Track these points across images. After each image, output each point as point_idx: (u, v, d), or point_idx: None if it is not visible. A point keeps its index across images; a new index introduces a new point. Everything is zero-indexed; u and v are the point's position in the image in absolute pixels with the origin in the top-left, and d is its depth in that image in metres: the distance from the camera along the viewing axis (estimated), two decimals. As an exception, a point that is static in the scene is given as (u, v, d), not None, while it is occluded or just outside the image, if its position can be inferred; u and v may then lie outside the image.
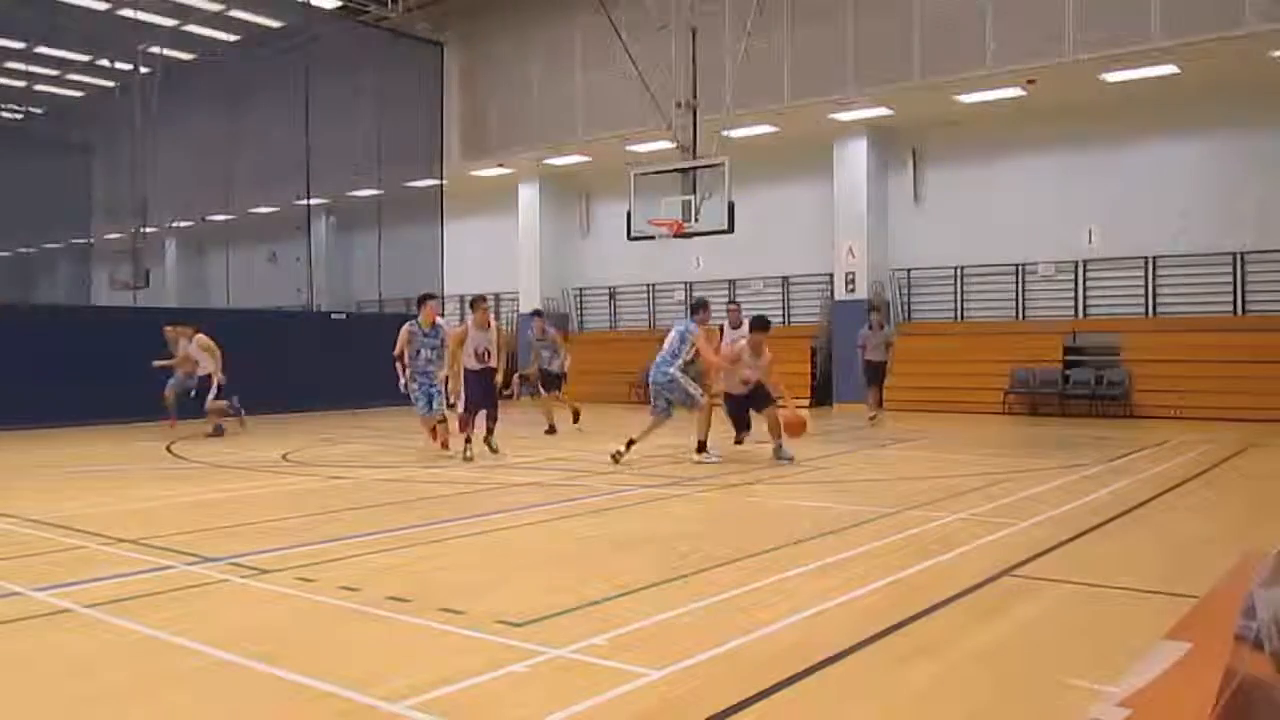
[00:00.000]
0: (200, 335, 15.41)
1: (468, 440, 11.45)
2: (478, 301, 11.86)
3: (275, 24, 24.16)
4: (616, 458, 10.82)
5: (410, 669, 3.99)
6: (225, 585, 5.53)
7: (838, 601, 5.01)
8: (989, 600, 5.11)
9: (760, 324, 11.45)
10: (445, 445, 12.08)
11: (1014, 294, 20.15)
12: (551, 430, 14.74)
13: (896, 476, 10.31)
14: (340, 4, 24.32)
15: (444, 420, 12.19)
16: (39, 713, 3.68)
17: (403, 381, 12.10)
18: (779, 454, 10.91)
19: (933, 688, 3.84)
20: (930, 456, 12.03)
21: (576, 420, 15.51)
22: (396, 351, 12.01)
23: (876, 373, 16.57)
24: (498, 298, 27.78)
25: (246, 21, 24.10)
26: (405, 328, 12.01)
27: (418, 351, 11.86)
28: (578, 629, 4.48)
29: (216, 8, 23.13)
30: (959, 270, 20.74)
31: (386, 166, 23.96)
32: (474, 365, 11.33)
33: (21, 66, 26.88)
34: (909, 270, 21.30)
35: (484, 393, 11.40)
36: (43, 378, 16.00)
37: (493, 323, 11.80)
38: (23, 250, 34.51)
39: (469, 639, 4.39)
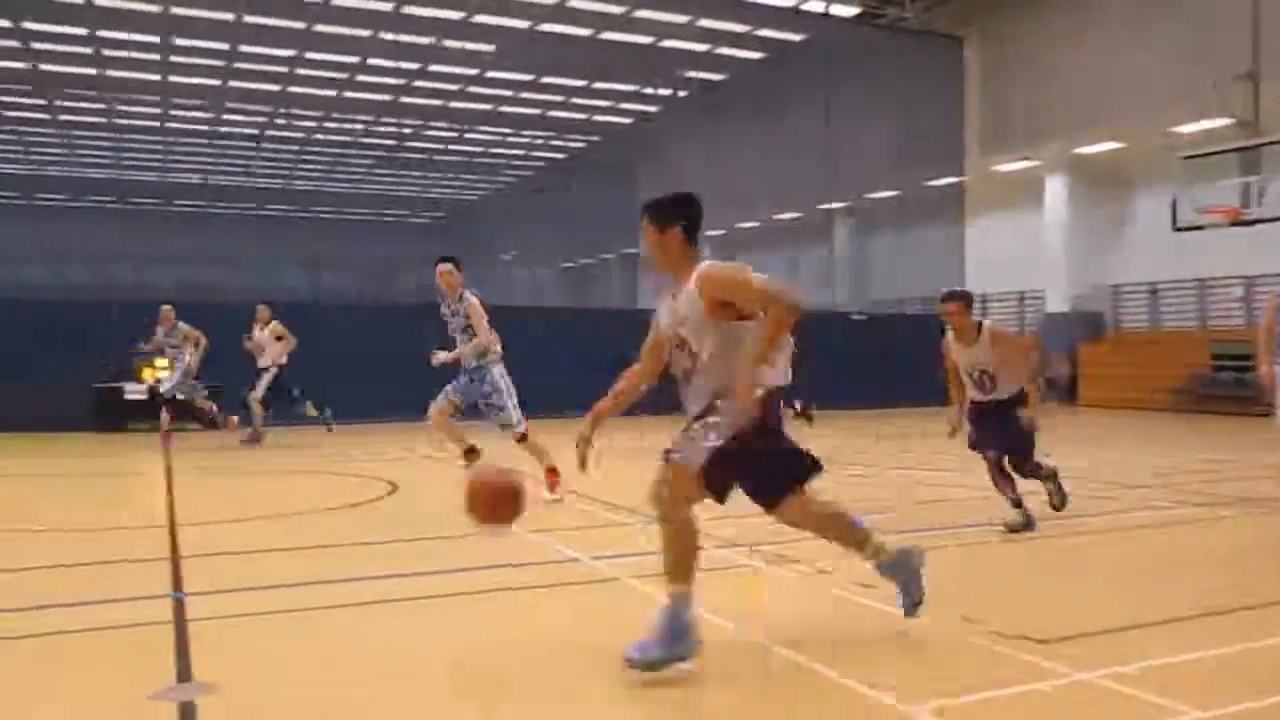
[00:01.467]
0: (276, 322, 13.81)
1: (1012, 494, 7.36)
2: (944, 301, 7.47)
3: (797, 38, 25.21)
4: None
5: (929, 673, 3.95)
6: (745, 569, 5.86)
7: None
8: None
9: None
10: (554, 483, 8.45)
11: None
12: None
13: None
14: (859, 10, 24.78)
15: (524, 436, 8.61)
16: (582, 666, 4.12)
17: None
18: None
19: None
20: None
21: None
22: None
23: None
24: (1022, 296, 26.61)
25: (771, 39, 25.42)
26: None
27: (454, 336, 8.43)
28: (1104, 653, 4.13)
29: (743, 29, 24.65)
30: None
31: (905, 166, 24.03)
32: (974, 395, 7.47)
33: (583, 101, 30.70)
34: None
35: (980, 427, 7.48)
36: (591, 372, 17.92)
37: (988, 330, 7.27)
38: (584, 261, 39.52)
39: (986, 649, 4.24)
